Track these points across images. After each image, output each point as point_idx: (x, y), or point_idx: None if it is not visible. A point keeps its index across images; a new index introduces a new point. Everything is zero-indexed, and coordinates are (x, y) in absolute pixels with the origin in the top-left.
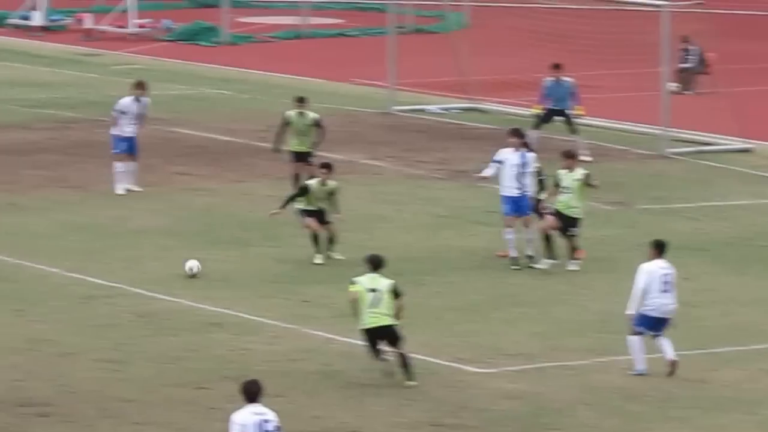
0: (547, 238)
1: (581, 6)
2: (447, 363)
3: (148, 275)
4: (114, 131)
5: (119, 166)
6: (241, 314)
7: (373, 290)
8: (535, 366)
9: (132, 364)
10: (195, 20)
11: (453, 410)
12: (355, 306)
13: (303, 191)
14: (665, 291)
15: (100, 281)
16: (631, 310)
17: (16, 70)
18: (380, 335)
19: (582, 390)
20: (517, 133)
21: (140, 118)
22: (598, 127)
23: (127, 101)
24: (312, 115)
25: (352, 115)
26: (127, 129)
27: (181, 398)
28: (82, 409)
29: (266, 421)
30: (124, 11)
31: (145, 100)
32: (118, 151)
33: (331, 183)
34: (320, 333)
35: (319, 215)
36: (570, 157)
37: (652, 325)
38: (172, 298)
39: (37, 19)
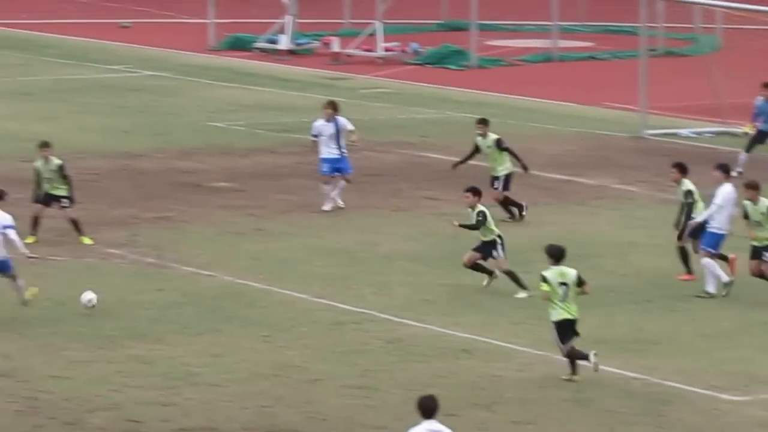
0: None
1: None
2: (701, 390)
3: (396, 301)
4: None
5: (325, 188)
6: (491, 340)
7: (563, 284)
8: None
9: (381, 391)
10: (443, 44)
11: None
12: (548, 302)
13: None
14: None
15: (348, 307)
16: None
17: (264, 94)
18: (570, 325)
19: None
20: (719, 167)
21: (338, 138)
22: None
23: (319, 123)
24: (492, 136)
25: (602, 139)
26: (326, 151)
27: None
28: None
29: None
30: (372, 35)
31: (341, 119)
32: (321, 173)
33: (478, 207)
34: None
35: (486, 247)
36: (753, 188)
37: None
38: (421, 324)
39: (284, 42)
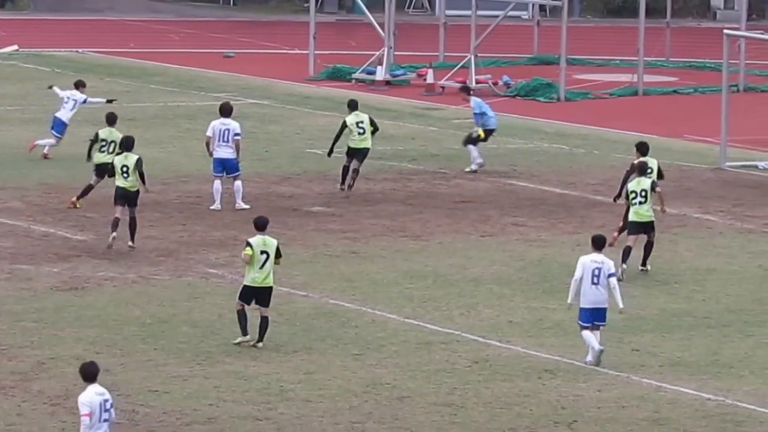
0: None
1: None
2: None
3: (483, 322)
4: None
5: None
6: (572, 361)
7: (264, 252)
8: None
9: (467, 409)
10: (534, 77)
11: None
12: (247, 265)
13: None
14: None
15: (436, 327)
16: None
17: None
18: (258, 294)
19: None
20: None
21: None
22: None
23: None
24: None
25: (684, 171)
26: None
27: None
28: None
29: (106, 400)
30: (465, 67)
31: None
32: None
33: None
34: (649, 381)
35: None
36: None
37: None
38: (506, 345)
39: (381, 74)
